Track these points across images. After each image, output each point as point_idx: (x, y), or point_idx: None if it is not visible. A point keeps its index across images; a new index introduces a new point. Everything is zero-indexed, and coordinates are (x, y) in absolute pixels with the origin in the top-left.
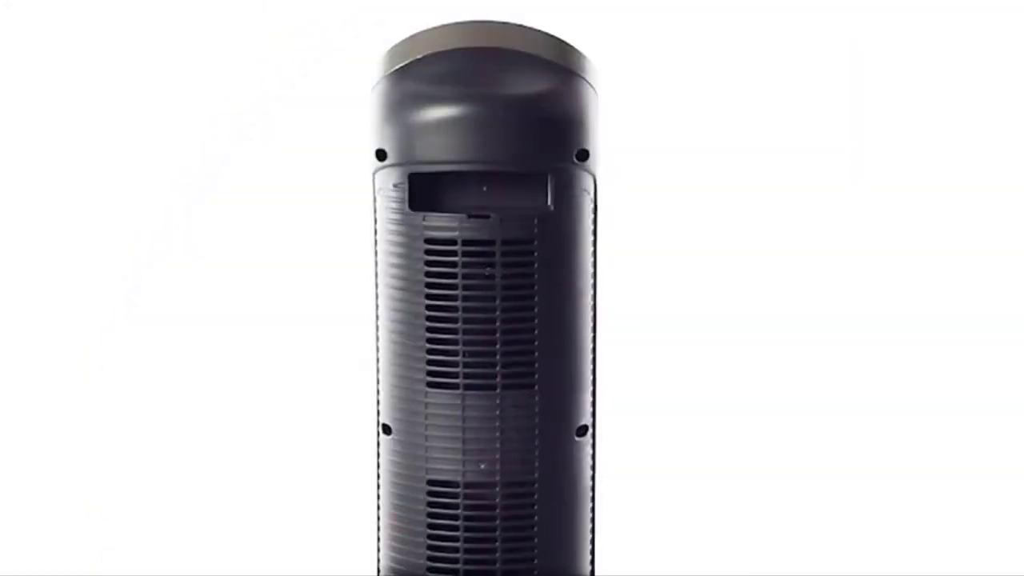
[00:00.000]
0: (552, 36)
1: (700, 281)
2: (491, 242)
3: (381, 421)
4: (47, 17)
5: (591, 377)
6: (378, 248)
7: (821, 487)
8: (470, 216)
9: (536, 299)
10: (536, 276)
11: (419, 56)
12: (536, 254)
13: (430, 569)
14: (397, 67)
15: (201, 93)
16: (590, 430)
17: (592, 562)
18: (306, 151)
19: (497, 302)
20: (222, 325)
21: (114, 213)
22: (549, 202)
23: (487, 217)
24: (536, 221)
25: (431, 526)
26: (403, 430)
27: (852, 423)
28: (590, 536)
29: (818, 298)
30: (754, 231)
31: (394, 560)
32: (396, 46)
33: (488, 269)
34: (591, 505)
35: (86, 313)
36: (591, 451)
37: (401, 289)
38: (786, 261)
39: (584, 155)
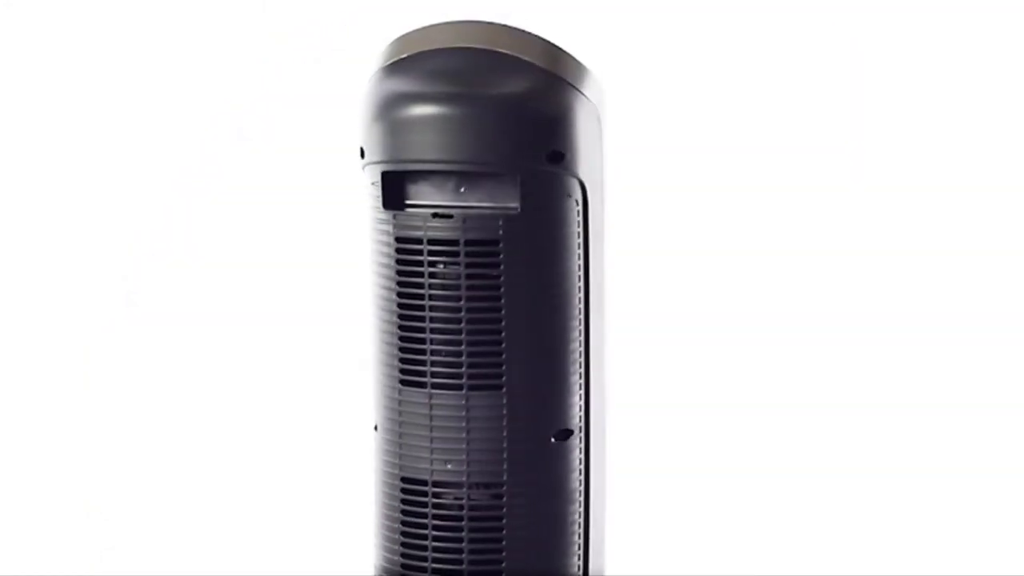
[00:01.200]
0: (534, 37)
1: (700, 281)
2: (455, 242)
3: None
4: (47, 17)
5: (577, 381)
6: (368, 247)
7: (821, 487)
8: (434, 216)
9: (503, 301)
10: (502, 278)
11: (398, 57)
12: (502, 256)
13: (404, 566)
14: (378, 68)
15: (201, 93)
16: (577, 434)
17: (585, 568)
18: (306, 151)
19: (462, 303)
20: (222, 325)
21: (114, 213)
22: (515, 203)
23: (450, 217)
24: (500, 223)
25: (404, 523)
26: (384, 427)
27: (852, 423)
28: (577, 540)
29: (818, 298)
30: (755, 231)
31: (382, 558)
32: (385, 47)
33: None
34: (579, 509)
35: (86, 313)
36: (579, 455)
37: (381, 287)
38: (786, 261)
39: (557, 157)
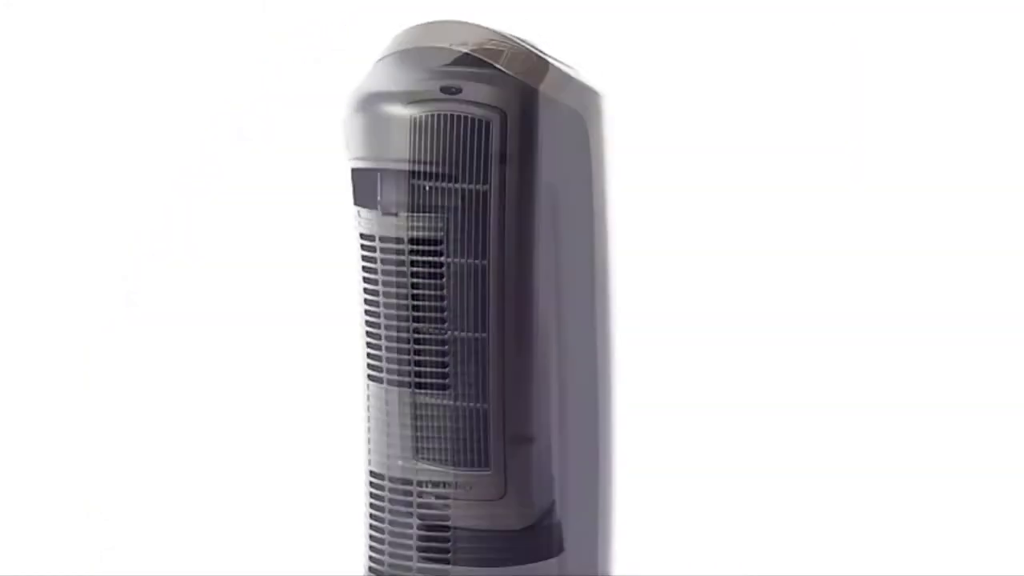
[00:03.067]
0: (510, 40)
1: (700, 281)
2: (401, 240)
3: None
4: (47, 17)
5: (544, 389)
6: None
7: (821, 487)
8: (384, 214)
9: (446, 302)
10: (446, 279)
11: (380, 57)
12: (444, 256)
13: (371, 559)
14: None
15: (201, 93)
16: (545, 442)
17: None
18: (306, 151)
19: (408, 300)
20: (222, 325)
21: (114, 213)
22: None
23: (395, 215)
24: (442, 223)
25: (371, 517)
26: (365, 423)
27: (852, 423)
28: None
29: (818, 298)
30: (755, 231)
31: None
32: (382, 49)
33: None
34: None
35: (86, 313)
36: (549, 461)
37: (361, 283)
38: (786, 261)
39: (500, 160)
